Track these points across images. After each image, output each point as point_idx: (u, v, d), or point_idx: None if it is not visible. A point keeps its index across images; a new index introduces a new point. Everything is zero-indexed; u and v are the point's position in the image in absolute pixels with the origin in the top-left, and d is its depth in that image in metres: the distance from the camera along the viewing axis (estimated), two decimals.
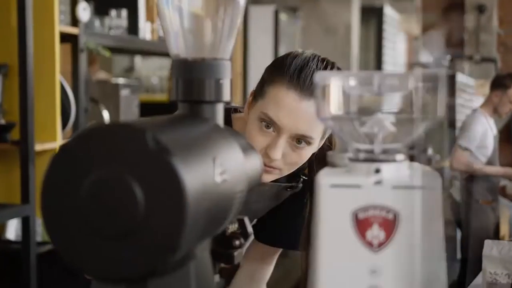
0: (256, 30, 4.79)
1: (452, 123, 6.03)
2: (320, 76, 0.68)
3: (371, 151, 0.69)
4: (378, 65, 7.25)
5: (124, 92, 2.98)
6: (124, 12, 2.94)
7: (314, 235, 0.67)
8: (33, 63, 2.29)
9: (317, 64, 1.21)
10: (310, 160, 1.29)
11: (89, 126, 0.61)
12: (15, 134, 2.30)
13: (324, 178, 0.67)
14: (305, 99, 1.18)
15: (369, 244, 0.66)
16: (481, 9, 9.00)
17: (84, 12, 2.53)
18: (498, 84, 4.18)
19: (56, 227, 0.61)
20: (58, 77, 2.40)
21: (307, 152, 1.23)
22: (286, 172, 1.25)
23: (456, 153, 4.09)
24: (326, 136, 1.29)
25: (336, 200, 0.66)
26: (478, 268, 4.58)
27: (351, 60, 5.60)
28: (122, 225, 0.58)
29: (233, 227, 0.85)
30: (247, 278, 1.45)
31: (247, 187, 0.76)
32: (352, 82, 0.68)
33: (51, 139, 2.41)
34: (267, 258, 1.48)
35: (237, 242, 0.83)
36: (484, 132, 4.08)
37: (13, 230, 2.89)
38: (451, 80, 6.19)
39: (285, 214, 1.40)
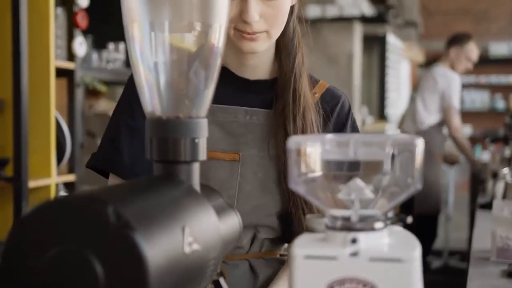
0: None
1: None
2: (293, 141, 0.65)
3: (348, 218, 0.66)
4: (381, 93, 7.23)
5: None
6: (122, 45, 2.93)
7: None
8: (28, 98, 2.28)
9: None
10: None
11: (49, 199, 0.58)
12: (8, 171, 2.28)
13: (299, 249, 0.64)
14: None
15: None
16: None
17: (80, 47, 2.52)
18: (455, 40, 4.25)
19: None
20: (53, 113, 2.38)
21: (284, 2, 1.15)
22: (275, 33, 1.17)
23: (454, 116, 4.12)
24: None
25: (310, 272, 0.63)
26: (422, 225, 4.51)
27: (353, 89, 5.59)
28: None
29: None
30: None
31: (222, 251, 0.73)
32: (328, 146, 0.65)
33: (46, 175, 2.39)
34: None
35: None
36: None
37: None
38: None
39: None
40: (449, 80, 4.20)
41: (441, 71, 4.27)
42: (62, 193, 2.68)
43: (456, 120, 4.11)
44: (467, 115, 9.66)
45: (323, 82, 1.30)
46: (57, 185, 2.51)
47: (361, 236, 0.64)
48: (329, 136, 0.67)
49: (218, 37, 0.74)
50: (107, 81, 2.82)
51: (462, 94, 9.55)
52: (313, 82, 1.28)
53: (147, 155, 0.72)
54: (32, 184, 2.29)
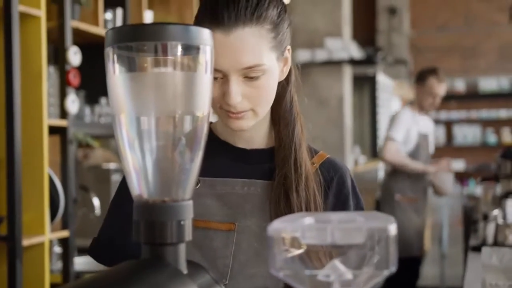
0: None
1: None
2: (273, 227, 0.68)
3: None
4: (373, 132, 7.30)
5: (115, 177, 3.00)
6: None
7: None
8: (22, 156, 2.31)
9: None
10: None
11: None
12: (2, 229, 2.30)
13: None
14: (232, 30, 1.10)
15: None
16: (392, 11, 9.18)
17: (73, 104, 2.57)
18: (418, 78, 4.30)
19: None
20: (47, 170, 2.41)
21: (267, 81, 1.14)
22: (261, 111, 1.16)
23: (387, 144, 4.13)
24: (288, 55, 1.21)
25: None
26: (403, 267, 4.51)
27: (345, 130, 5.65)
28: None
29: None
30: None
31: None
32: (307, 232, 0.68)
33: (40, 233, 2.41)
34: None
35: None
36: (409, 127, 4.12)
37: None
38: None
39: None
40: (399, 113, 4.25)
41: (402, 109, 4.35)
42: (56, 249, 2.69)
43: (387, 148, 4.10)
44: (459, 150, 9.73)
45: (322, 152, 1.29)
46: (51, 241, 2.53)
47: None
48: (308, 220, 0.70)
49: (202, 123, 0.78)
50: (100, 135, 2.86)
51: (453, 129, 9.66)
52: (312, 152, 1.27)
53: (135, 238, 0.76)
54: (26, 242, 2.31)
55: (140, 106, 0.76)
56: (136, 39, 0.74)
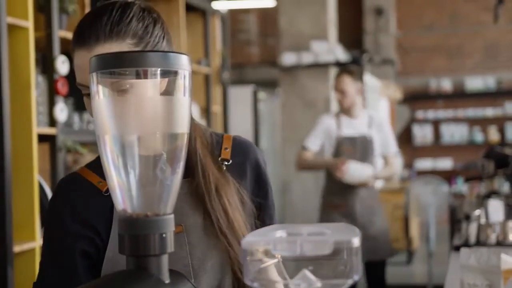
0: (236, 109, 4.92)
1: None
2: (246, 241, 0.74)
3: None
4: None
5: None
6: None
7: None
8: (11, 165, 2.35)
9: (98, 10, 1.18)
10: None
11: None
12: None
13: None
14: (93, 47, 1.15)
15: None
16: (379, 11, 9.25)
17: (61, 112, 2.61)
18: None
19: None
20: (36, 178, 2.46)
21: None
22: None
23: (298, 154, 4.13)
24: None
25: None
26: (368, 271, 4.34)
27: None
28: None
29: None
30: None
31: None
32: (278, 245, 0.74)
33: (30, 239, 2.46)
34: None
35: None
36: (327, 133, 4.03)
37: None
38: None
39: None
40: (316, 122, 4.19)
41: (320, 117, 4.29)
42: None
43: (296, 158, 4.11)
44: (446, 149, 9.83)
45: (226, 135, 1.34)
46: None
47: None
48: (279, 234, 0.76)
49: (182, 141, 0.83)
50: (89, 142, 2.91)
51: (440, 127, 9.75)
52: (218, 138, 1.32)
53: (120, 251, 0.81)
54: (17, 248, 2.36)
55: (123, 127, 0.81)
56: (119, 66, 0.80)
